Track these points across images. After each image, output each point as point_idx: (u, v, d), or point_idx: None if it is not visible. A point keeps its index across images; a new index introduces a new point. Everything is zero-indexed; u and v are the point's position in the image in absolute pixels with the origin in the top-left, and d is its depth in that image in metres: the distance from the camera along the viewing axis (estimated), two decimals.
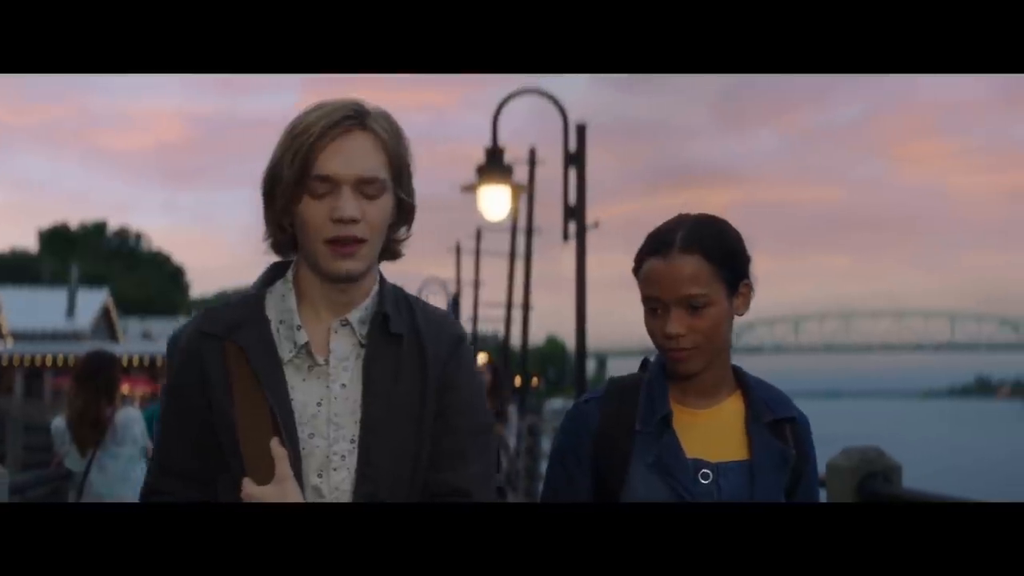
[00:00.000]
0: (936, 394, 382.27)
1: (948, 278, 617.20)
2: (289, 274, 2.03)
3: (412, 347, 1.98)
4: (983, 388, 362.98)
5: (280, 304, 2.00)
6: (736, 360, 2.31)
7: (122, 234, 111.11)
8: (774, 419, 2.18)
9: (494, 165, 11.93)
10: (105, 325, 54.94)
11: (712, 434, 2.17)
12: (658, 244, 2.18)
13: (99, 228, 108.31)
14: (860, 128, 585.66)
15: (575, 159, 11.54)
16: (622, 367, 2.48)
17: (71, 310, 50.79)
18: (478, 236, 29.91)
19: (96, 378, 5.69)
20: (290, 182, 1.90)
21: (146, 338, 60.09)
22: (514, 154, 16.11)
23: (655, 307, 2.16)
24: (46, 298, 51.75)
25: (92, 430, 5.55)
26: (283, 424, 1.89)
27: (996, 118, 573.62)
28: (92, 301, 53.20)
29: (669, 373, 2.20)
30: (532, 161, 19.65)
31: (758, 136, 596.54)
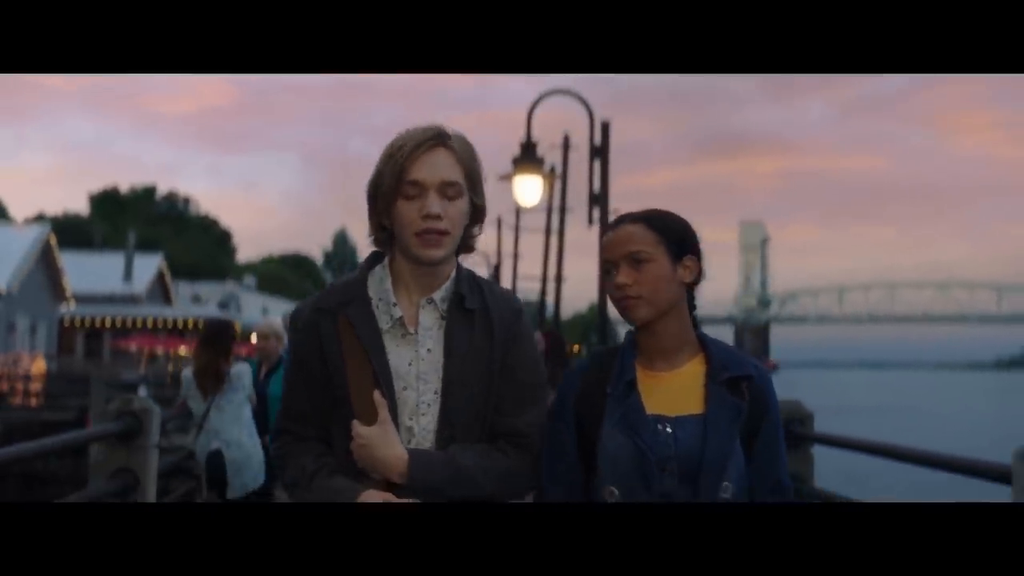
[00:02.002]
0: (982, 366, 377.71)
1: (995, 249, 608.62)
2: (386, 262, 2.47)
3: (482, 319, 2.43)
4: None
5: (379, 286, 2.45)
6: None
7: (171, 198, 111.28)
8: (730, 377, 2.41)
9: (527, 157, 13.62)
10: (160, 289, 55.86)
11: (672, 392, 2.42)
12: (613, 222, 2.55)
13: (149, 192, 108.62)
14: (908, 98, 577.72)
15: (599, 152, 12.98)
16: None
17: (128, 274, 51.68)
18: (517, 214, 30.90)
19: (216, 340, 7.01)
20: (388, 188, 2.36)
21: (196, 302, 61.07)
22: (551, 138, 17.13)
23: (609, 268, 2.47)
24: (104, 262, 52.49)
25: (213, 380, 6.83)
26: (382, 380, 2.35)
27: None
28: (148, 266, 53.75)
29: (638, 343, 2.49)
30: (566, 146, 20.99)
31: (805, 104, 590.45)
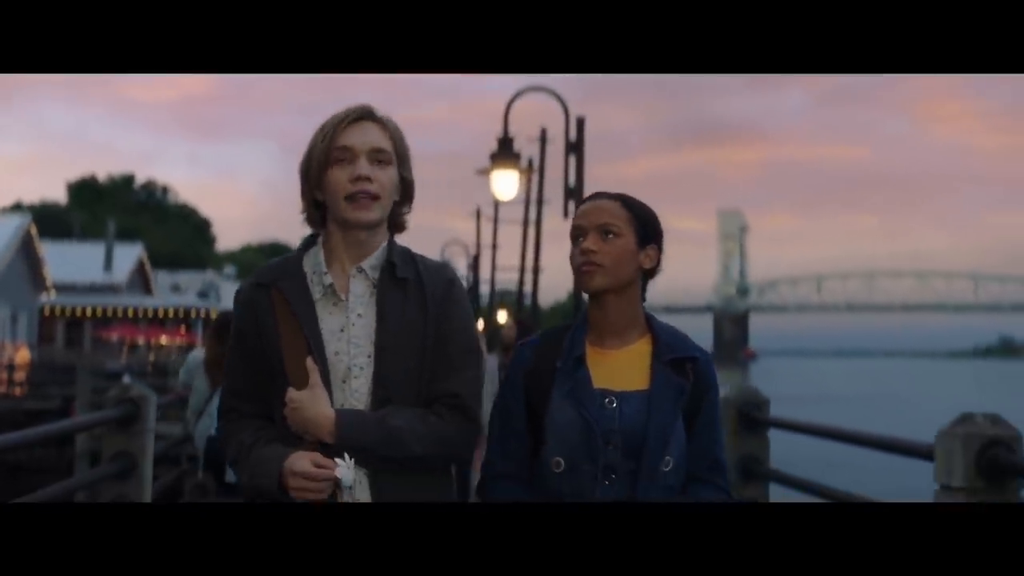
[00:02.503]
0: (960, 354, 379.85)
1: (972, 238, 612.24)
2: (319, 240, 2.58)
3: (415, 288, 2.51)
4: (1008, 349, 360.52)
5: (313, 259, 2.55)
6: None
7: (149, 187, 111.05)
8: (674, 357, 2.54)
9: (504, 152, 14.23)
10: (140, 279, 55.86)
11: (619, 369, 2.55)
12: (590, 196, 2.67)
13: (127, 181, 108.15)
14: (886, 87, 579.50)
15: (574, 147, 13.50)
16: None
17: (108, 264, 51.67)
18: (495, 206, 31.26)
19: (226, 332, 7.31)
20: (319, 158, 2.47)
21: (175, 291, 61.09)
22: (529, 131, 17.58)
23: (578, 235, 2.59)
24: (84, 252, 52.46)
25: (221, 370, 7.14)
26: (314, 345, 2.44)
27: (1019, 78, 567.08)
28: (128, 255, 53.63)
29: (589, 320, 2.62)
30: (543, 141, 21.30)
31: (785, 93, 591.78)
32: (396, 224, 2.59)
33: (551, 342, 2.61)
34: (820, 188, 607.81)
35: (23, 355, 30.72)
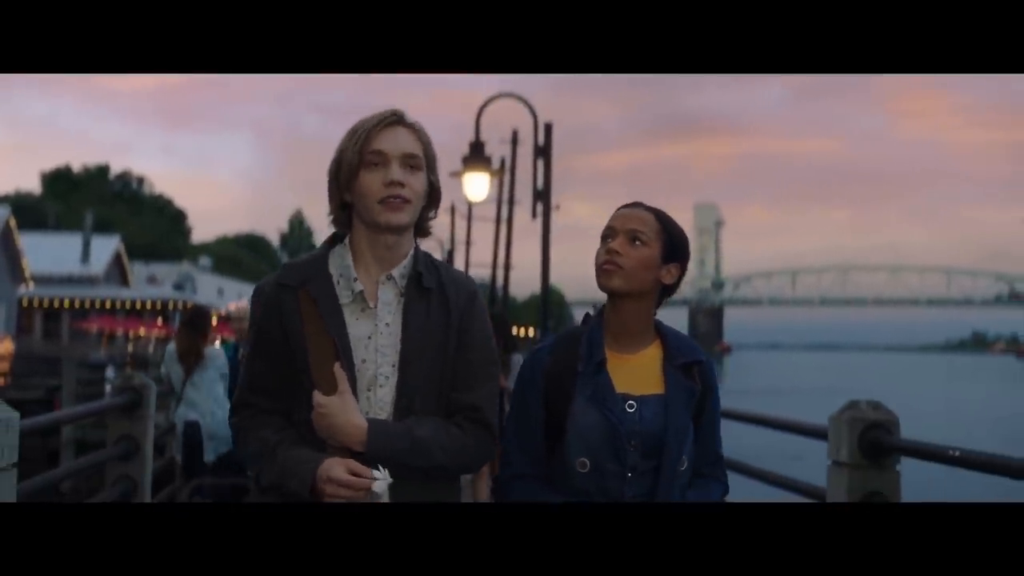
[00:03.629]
0: (932, 348, 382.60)
1: (945, 233, 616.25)
2: (347, 240, 2.57)
3: (439, 298, 2.53)
4: (979, 343, 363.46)
5: (340, 262, 2.54)
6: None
7: (124, 177, 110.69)
8: (684, 362, 2.66)
9: (476, 155, 15.02)
10: (117, 270, 56.01)
11: (636, 373, 2.64)
12: (629, 204, 2.74)
13: (102, 171, 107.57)
14: (861, 81, 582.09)
15: (542, 151, 14.18)
16: None
17: (86, 255, 51.85)
18: (469, 204, 31.86)
19: (197, 324, 8.21)
20: (351, 161, 2.47)
21: (151, 282, 61.11)
22: (501, 131, 18.17)
23: (608, 235, 2.67)
24: (61, 243, 52.56)
25: (193, 358, 7.92)
26: (342, 352, 2.44)
27: (994, 74, 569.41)
28: (105, 247, 53.80)
29: (605, 324, 2.70)
30: (514, 143, 21.90)
31: (761, 88, 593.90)
32: (422, 229, 2.61)
33: (568, 345, 2.70)
34: (795, 182, 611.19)
35: (6, 346, 30.98)
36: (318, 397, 2.41)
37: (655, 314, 2.73)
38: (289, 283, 2.52)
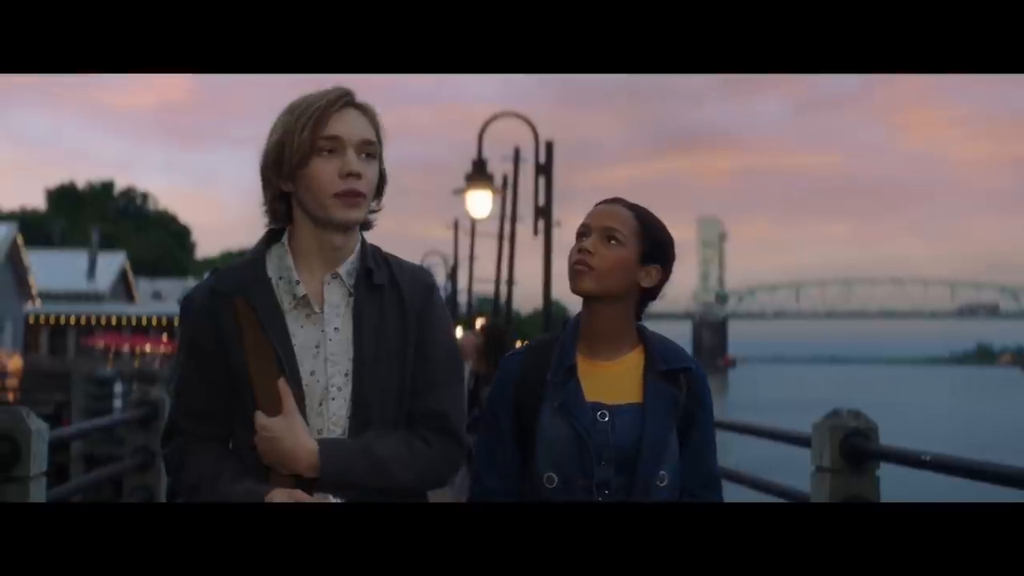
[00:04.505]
0: (938, 360, 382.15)
1: (948, 246, 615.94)
2: (284, 239, 2.27)
3: (392, 295, 2.26)
4: (984, 355, 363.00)
5: (279, 264, 2.25)
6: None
7: (129, 194, 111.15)
8: (668, 369, 2.43)
9: (479, 173, 15.25)
10: (123, 286, 56.28)
11: (611, 381, 2.43)
12: (607, 200, 2.54)
13: (107, 188, 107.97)
14: (863, 94, 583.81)
15: (544, 169, 14.38)
16: None
17: (92, 272, 52.13)
18: (472, 221, 32.14)
19: None
20: (301, 146, 2.15)
21: (156, 298, 61.43)
22: (503, 148, 18.43)
23: (583, 233, 2.46)
24: (66, 259, 52.87)
25: None
26: (287, 364, 2.15)
27: (994, 86, 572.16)
28: (111, 263, 54.13)
29: (579, 330, 2.50)
30: (516, 160, 22.02)
31: (762, 101, 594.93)
32: (366, 223, 2.31)
33: (539, 353, 2.50)
34: (797, 196, 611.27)
35: (15, 362, 31.23)
36: (261, 419, 2.14)
37: (638, 319, 2.54)
38: (223, 290, 2.23)
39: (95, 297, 50.45)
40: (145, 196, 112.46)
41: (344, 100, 2.20)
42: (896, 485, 4.80)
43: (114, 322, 46.77)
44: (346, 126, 2.19)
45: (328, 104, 2.18)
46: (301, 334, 2.21)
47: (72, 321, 45.75)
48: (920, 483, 4.28)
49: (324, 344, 2.21)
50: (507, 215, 24.91)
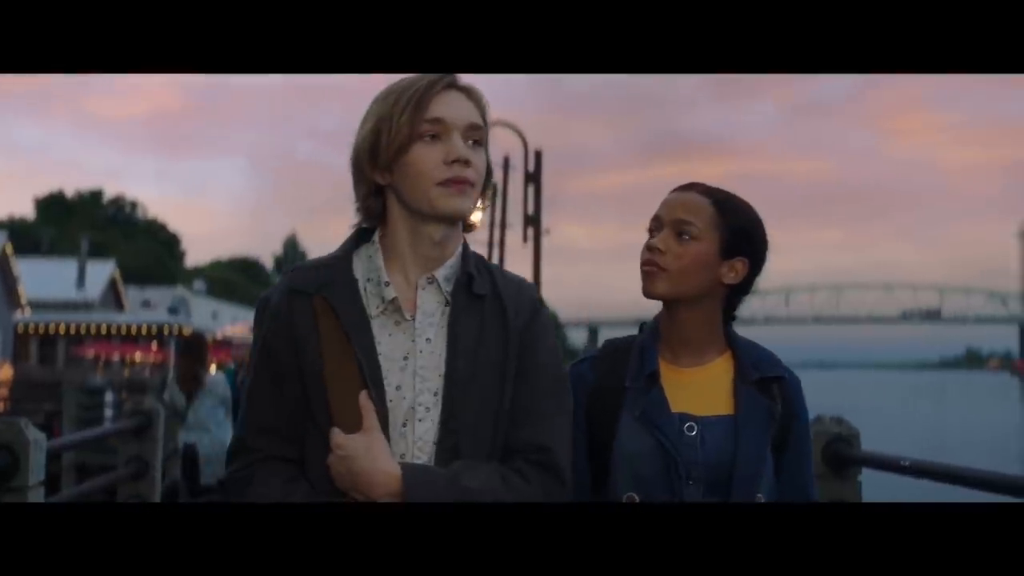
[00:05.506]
0: (928, 365, 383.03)
1: (937, 251, 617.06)
2: (375, 237, 2.04)
3: (494, 308, 1.99)
4: (973, 360, 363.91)
5: (367, 264, 2.01)
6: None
7: (118, 202, 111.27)
8: (761, 377, 2.17)
9: None
10: (112, 295, 56.25)
11: (699, 391, 2.17)
12: (684, 185, 2.26)
13: (95, 197, 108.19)
14: (852, 100, 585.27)
15: (533, 178, 14.51)
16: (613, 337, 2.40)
17: (81, 281, 52.11)
18: None
19: (194, 350, 8.48)
20: (401, 131, 1.93)
21: (146, 307, 61.30)
22: (494, 156, 18.65)
23: (654, 227, 2.20)
24: (55, 268, 52.86)
25: (192, 383, 8.16)
26: (370, 377, 1.89)
27: (984, 92, 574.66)
28: (100, 272, 54.06)
29: (660, 333, 2.24)
30: (506, 167, 22.13)
31: (752, 108, 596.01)
32: (469, 224, 2.08)
33: (615, 356, 2.25)
34: (787, 202, 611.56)
35: (6, 371, 31.18)
36: (337, 437, 1.88)
37: (731, 319, 2.30)
38: (303, 289, 1.99)
39: (84, 306, 50.38)
40: (134, 204, 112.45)
41: (447, 82, 1.99)
42: (878, 489, 4.90)
43: (104, 331, 46.69)
44: (450, 108, 1.97)
45: (429, 85, 1.97)
46: (388, 343, 1.96)
47: (62, 330, 45.63)
48: (900, 488, 4.39)
49: (414, 356, 1.95)
50: (497, 222, 25.17)
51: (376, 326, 1.97)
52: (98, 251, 63.99)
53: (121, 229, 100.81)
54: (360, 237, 2.07)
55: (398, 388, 1.93)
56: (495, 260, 25.96)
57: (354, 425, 1.89)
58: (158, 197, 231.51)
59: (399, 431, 1.92)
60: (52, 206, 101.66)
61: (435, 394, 1.93)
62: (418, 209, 1.97)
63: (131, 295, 63.05)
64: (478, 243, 30.16)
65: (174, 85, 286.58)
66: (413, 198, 1.97)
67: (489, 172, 2.05)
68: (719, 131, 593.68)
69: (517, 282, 2.09)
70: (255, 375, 2.01)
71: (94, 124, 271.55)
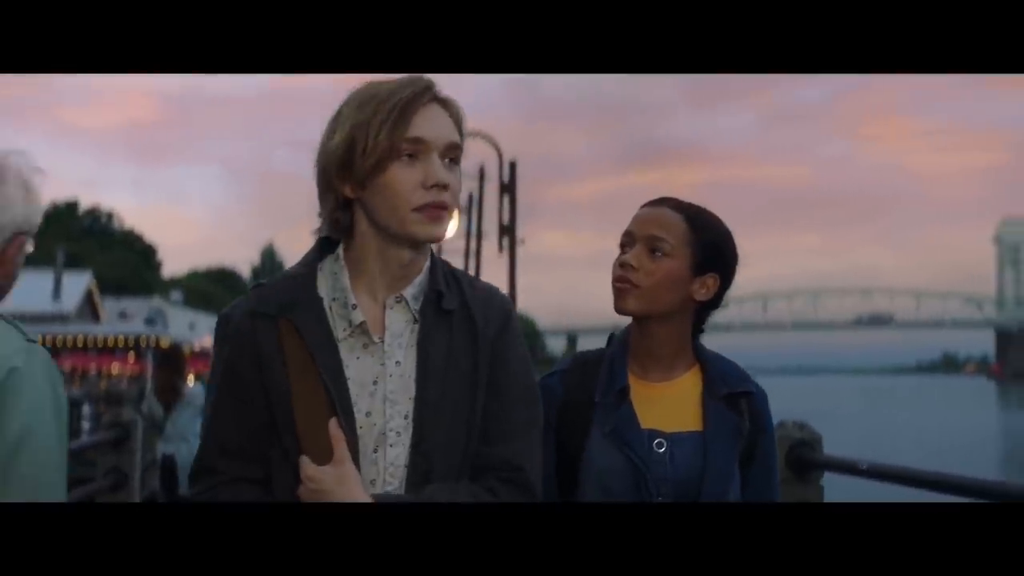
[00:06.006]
0: (905, 370, 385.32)
1: (913, 256, 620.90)
2: (339, 251, 1.96)
3: (463, 322, 1.92)
4: (951, 365, 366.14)
5: (332, 281, 1.93)
6: (706, 338, 2.28)
7: (94, 213, 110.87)
8: (729, 392, 2.16)
9: None
10: (89, 307, 56.03)
11: (668, 406, 2.16)
12: (657, 200, 2.23)
13: (71, 207, 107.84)
14: (826, 107, 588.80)
15: (507, 188, 14.65)
16: (593, 345, 2.38)
17: (57, 293, 51.85)
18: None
19: (171, 361, 8.47)
20: (378, 146, 1.83)
21: (123, 318, 61.05)
22: (467, 167, 18.75)
23: (626, 242, 2.18)
24: (32, 281, 52.55)
25: (170, 394, 8.13)
26: (339, 404, 1.84)
27: (958, 96, 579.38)
28: (76, 283, 53.96)
29: (630, 346, 2.22)
30: (481, 178, 22.21)
31: (727, 115, 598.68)
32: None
33: (585, 370, 2.23)
34: (764, 208, 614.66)
35: None
36: (306, 468, 1.82)
37: (700, 333, 2.28)
38: (266, 311, 1.91)
39: (61, 318, 50.11)
40: (110, 215, 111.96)
41: (428, 95, 1.88)
42: (840, 492, 4.97)
43: (80, 343, 46.43)
44: (432, 126, 1.86)
45: (412, 98, 1.85)
46: (356, 367, 1.89)
47: (38, 342, 45.43)
48: (861, 490, 4.46)
49: (383, 380, 1.89)
50: (473, 232, 25.24)
51: (343, 349, 1.90)
52: (74, 262, 63.68)
53: (97, 240, 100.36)
54: (323, 248, 2.00)
55: (368, 414, 1.88)
56: (471, 270, 26.05)
57: (322, 452, 1.83)
58: (135, 207, 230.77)
59: (370, 458, 1.87)
60: None
61: (405, 417, 1.88)
62: (390, 230, 1.89)
63: (108, 306, 62.74)
64: (454, 252, 30.26)
65: (149, 94, 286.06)
66: (386, 219, 1.88)
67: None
68: (696, 138, 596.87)
69: (487, 292, 2.02)
70: (218, 395, 1.94)
71: (69, 134, 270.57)
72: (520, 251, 16.47)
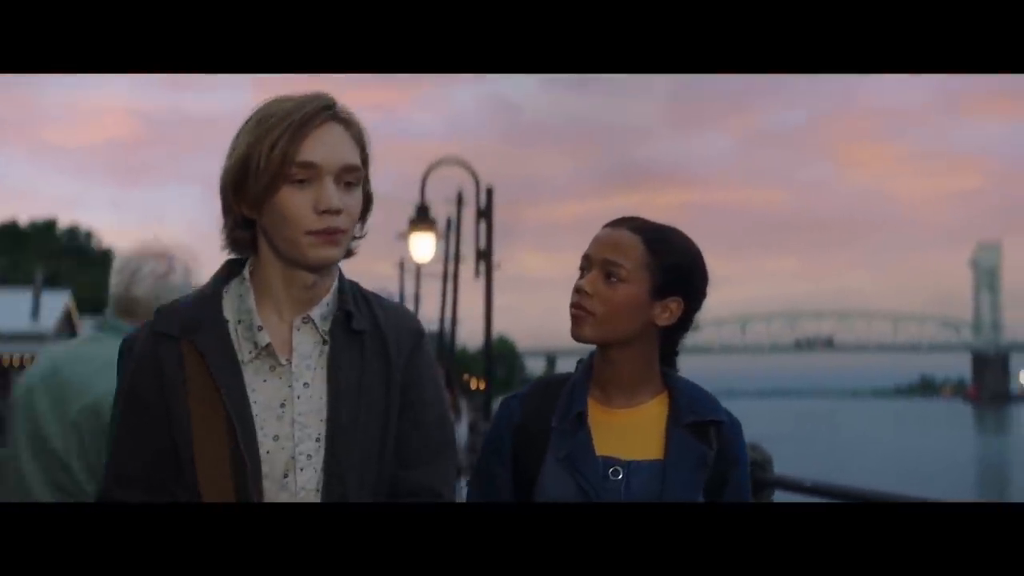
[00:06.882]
0: (883, 393, 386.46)
1: (891, 279, 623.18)
2: (245, 272, 1.91)
3: (374, 343, 1.89)
4: (927, 388, 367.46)
5: (238, 304, 1.88)
6: (684, 360, 2.23)
7: (73, 232, 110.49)
8: (696, 421, 2.09)
9: (422, 217, 15.87)
10: (67, 327, 55.76)
11: (628, 433, 2.09)
12: (616, 220, 2.15)
13: (49, 226, 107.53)
14: (805, 131, 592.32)
15: (484, 214, 14.95)
16: (573, 367, 2.29)
17: (36, 312, 51.67)
18: (417, 265, 32.62)
19: None
20: (268, 170, 1.78)
21: None
22: (446, 191, 18.97)
23: (584, 266, 2.10)
24: (10, 300, 52.31)
25: None
26: (240, 429, 1.78)
27: (934, 123, 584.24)
28: (55, 303, 53.80)
29: (592, 372, 2.15)
30: (459, 202, 22.44)
31: (707, 139, 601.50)
32: (348, 250, 1.93)
33: (546, 393, 2.16)
34: (743, 231, 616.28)
35: None
36: (209, 500, 1.77)
37: (670, 360, 2.21)
38: (168, 331, 1.85)
39: (39, 337, 49.87)
40: (89, 234, 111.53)
41: (325, 115, 1.83)
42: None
43: None
44: (325, 149, 1.81)
45: (304, 120, 1.80)
46: (263, 390, 1.84)
47: (16, 362, 45.21)
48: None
49: (291, 403, 1.84)
50: (451, 255, 25.43)
51: (249, 372, 1.85)
52: (52, 281, 63.41)
53: (76, 259, 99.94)
54: (232, 268, 1.95)
55: (276, 438, 1.83)
56: (448, 293, 26.27)
57: (219, 479, 1.78)
58: (113, 226, 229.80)
59: (280, 483, 1.82)
60: (5, 236, 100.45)
61: (317, 440, 1.84)
62: (286, 254, 1.85)
63: (86, 326, 62.32)
64: (431, 276, 30.40)
65: (129, 113, 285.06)
66: (281, 244, 1.85)
67: (368, 202, 1.92)
68: (675, 161, 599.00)
69: (398, 312, 1.98)
70: (119, 423, 1.87)
71: (47, 152, 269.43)
72: (499, 273, 16.71)
